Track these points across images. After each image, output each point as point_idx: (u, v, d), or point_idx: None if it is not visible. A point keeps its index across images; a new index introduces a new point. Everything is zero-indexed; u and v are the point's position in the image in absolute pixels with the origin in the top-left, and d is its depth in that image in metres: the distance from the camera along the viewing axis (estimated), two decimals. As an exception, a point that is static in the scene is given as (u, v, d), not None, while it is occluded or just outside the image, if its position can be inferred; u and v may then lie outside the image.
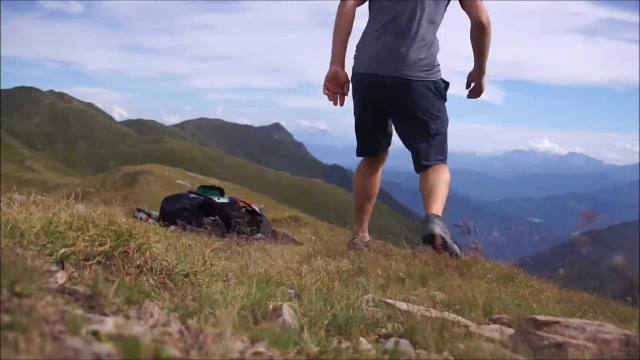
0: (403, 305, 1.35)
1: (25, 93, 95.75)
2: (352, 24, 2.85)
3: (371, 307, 1.38)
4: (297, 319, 1.13)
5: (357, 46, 2.90)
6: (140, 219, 3.00)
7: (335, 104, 2.82)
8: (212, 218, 2.99)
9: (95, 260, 1.18)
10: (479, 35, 2.79)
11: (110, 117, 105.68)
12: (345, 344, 0.98)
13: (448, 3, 2.86)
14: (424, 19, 2.75)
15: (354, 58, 2.91)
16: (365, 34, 2.88)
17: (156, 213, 3.25)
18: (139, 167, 26.11)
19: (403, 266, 2.06)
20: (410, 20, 2.74)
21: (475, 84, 3.01)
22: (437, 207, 2.67)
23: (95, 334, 0.70)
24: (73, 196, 1.58)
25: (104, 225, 1.28)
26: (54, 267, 1.10)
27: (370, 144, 3.06)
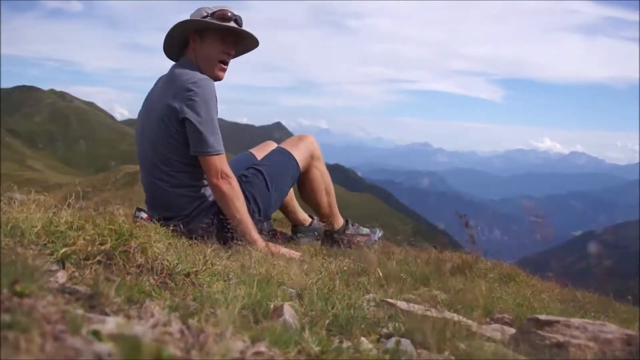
0: (404, 305, 1.35)
1: (26, 92, 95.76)
2: None
3: (372, 307, 1.37)
4: (298, 319, 1.13)
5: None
6: (141, 218, 3.00)
7: None
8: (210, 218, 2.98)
9: (95, 260, 1.18)
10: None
11: (111, 116, 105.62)
12: (346, 344, 0.98)
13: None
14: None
15: None
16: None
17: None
18: (140, 167, 26.07)
19: (404, 265, 2.06)
20: None
21: None
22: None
23: (96, 333, 0.70)
24: (74, 196, 1.58)
25: (105, 225, 1.28)
26: (55, 267, 1.10)
27: None
